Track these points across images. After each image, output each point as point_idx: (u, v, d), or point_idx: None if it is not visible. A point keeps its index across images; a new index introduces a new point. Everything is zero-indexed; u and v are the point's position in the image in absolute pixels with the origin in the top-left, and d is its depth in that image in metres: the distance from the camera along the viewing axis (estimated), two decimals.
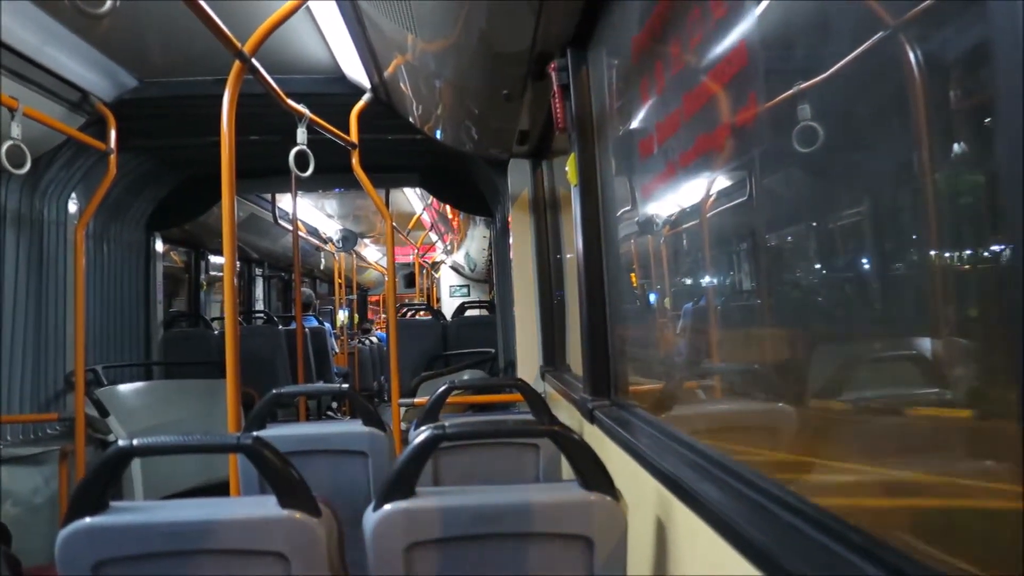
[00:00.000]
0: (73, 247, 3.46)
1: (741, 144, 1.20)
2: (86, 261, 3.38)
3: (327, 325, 8.05)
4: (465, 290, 12.71)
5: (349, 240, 8.01)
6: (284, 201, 7.23)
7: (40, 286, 3.56)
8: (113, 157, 3.25)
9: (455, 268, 12.48)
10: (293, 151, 2.55)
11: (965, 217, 0.73)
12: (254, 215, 6.70)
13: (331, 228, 8.65)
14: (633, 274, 2.07)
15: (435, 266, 13.52)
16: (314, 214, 8.23)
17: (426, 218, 9.13)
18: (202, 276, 6.58)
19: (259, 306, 8.72)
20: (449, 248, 11.36)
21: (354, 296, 11.91)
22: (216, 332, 5.57)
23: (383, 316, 15.76)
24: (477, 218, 6.80)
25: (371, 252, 12.82)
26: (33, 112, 2.72)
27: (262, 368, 5.08)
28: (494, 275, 5.48)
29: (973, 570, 0.69)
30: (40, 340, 3.56)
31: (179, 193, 4.79)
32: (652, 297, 1.95)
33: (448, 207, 6.97)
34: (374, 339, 10.31)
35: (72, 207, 3.74)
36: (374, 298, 16.73)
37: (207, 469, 3.97)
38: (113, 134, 3.24)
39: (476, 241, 8.38)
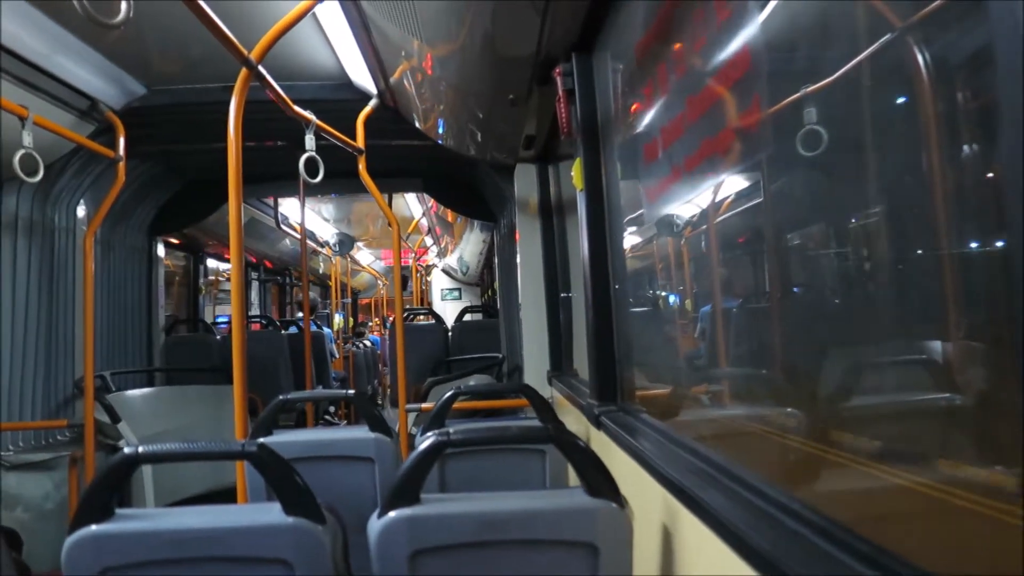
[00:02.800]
0: (82, 253, 3.49)
1: (747, 147, 1.19)
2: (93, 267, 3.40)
3: (326, 330, 8.06)
4: (457, 293, 12.69)
5: (345, 244, 8.04)
6: (284, 205, 7.28)
7: (50, 293, 3.58)
8: (122, 164, 3.27)
9: (447, 271, 12.49)
10: (303, 157, 2.55)
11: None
12: (254, 219, 6.74)
13: (327, 232, 8.70)
14: (640, 276, 2.06)
15: (428, 270, 13.57)
16: (311, 217, 8.28)
17: (424, 222, 9.16)
18: (201, 280, 6.61)
19: (254, 311, 8.75)
20: (442, 252, 11.38)
21: (349, 300, 11.93)
22: (218, 337, 5.59)
23: (376, 320, 15.83)
24: (474, 222, 6.79)
25: (364, 256, 12.86)
26: (43, 120, 2.74)
27: (265, 373, 5.08)
28: (497, 279, 5.46)
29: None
30: (50, 346, 3.58)
31: (181, 197, 4.81)
32: (661, 301, 1.94)
33: (448, 211, 6.98)
34: (367, 343, 10.33)
35: (80, 213, 3.76)
36: (364, 301, 16.82)
37: (217, 474, 3.98)
38: (122, 141, 3.26)
39: (471, 245, 8.37)
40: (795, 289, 1.20)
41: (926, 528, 0.82)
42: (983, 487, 0.70)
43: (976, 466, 0.73)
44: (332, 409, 7.36)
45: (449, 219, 7.77)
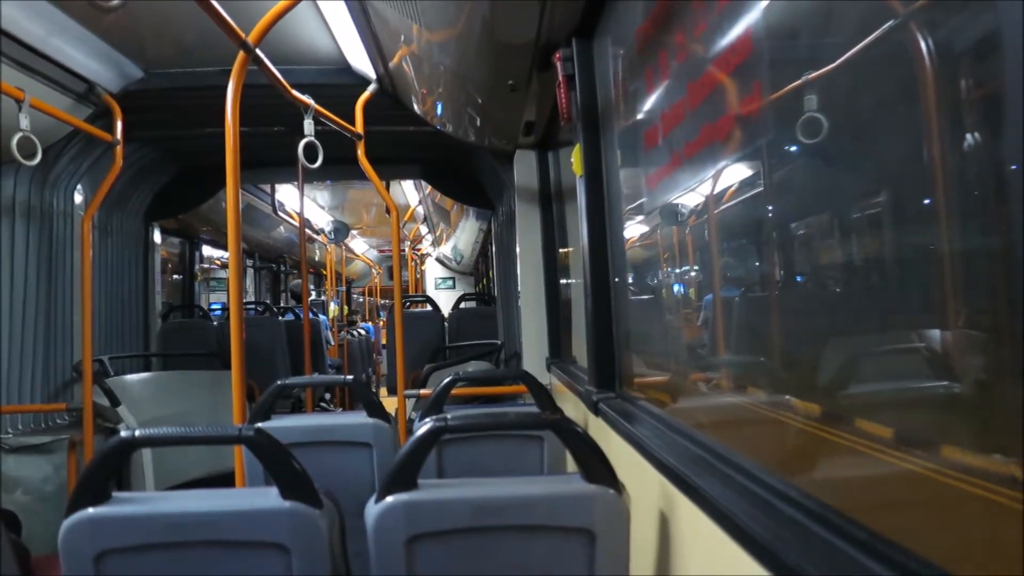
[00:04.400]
0: (79, 238, 3.48)
1: (747, 134, 1.18)
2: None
3: (322, 317, 8.06)
4: (451, 282, 12.69)
5: (341, 231, 8.02)
6: (280, 192, 7.27)
7: (48, 277, 3.57)
8: (119, 148, 3.25)
9: (441, 261, 12.48)
10: (302, 143, 2.53)
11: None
12: (250, 205, 6.72)
13: (323, 219, 8.68)
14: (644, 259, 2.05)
15: (422, 259, 13.57)
16: (306, 204, 8.27)
17: (419, 210, 9.14)
18: (196, 266, 6.60)
19: (248, 297, 8.75)
20: (437, 240, 11.36)
21: (344, 288, 11.92)
22: (215, 324, 5.59)
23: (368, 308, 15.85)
24: (469, 211, 6.76)
25: (358, 244, 12.85)
26: (40, 103, 2.72)
27: (262, 359, 5.09)
28: (496, 267, 5.46)
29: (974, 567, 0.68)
30: (48, 330, 3.58)
31: (178, 182, 4.79)
32: (662, 288, 1.94)
33: (446, 199, 6.95)
34: (361, 331, 10.37)
35: (77, 198, 3.75)
36: (357, 290, 16.85)
37: (216, 459, 3.99)
38: (120, 125, 3.24)
39: (467, 233, 8.34)
40: (797, 278, 1.20)
41: (922, 515, 0.82)
42: (981, 474, 0.70)
43: (974, 453, 0.73)
44: (328, 396, 7.39)
45: (447, 206, 7.74)
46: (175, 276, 7.03)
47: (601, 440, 1.38)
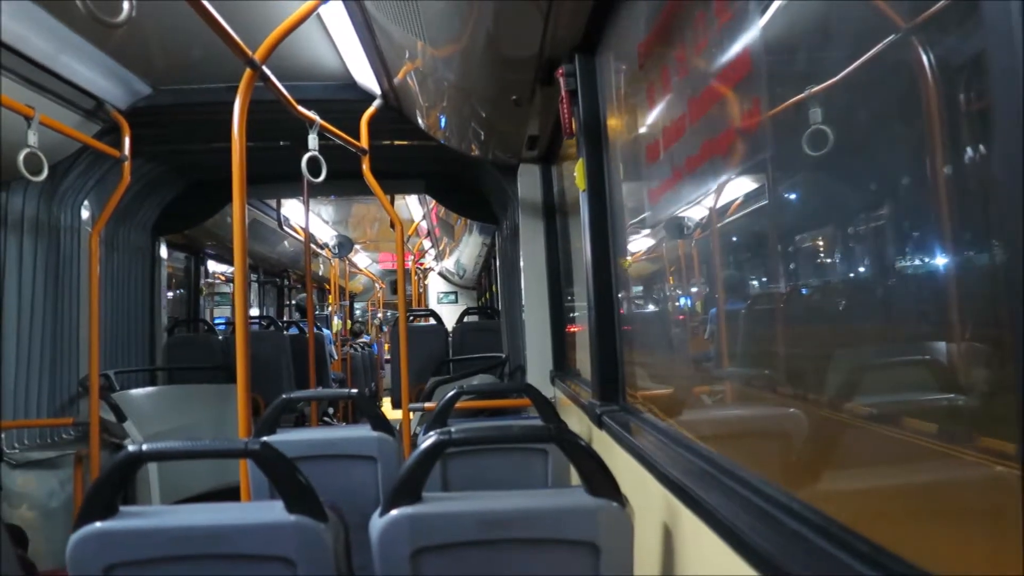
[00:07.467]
0: (87, 252, 3.50)
1: (748, 149, 1.19)
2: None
3: (326, 332, 8.08)
4: (453, 296, 12.70)
5: (345, 246, 8.05)
6: (286, 207, 7.32)
7: (55, 291, 3.60)
8: (127, 164, 3.29)
9: (443, 275, 12.50)
10: (305, 157, 2.55)
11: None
12: (256, 220, 6.76)
13: (327, 234, 8.71)
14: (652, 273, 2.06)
15: (425, 273, 13.60)
16: (311, 219, 8.32)
17: (423, 224, 9.16)
18: (202, 281, 6.63)
19: (252, 312, 8.78)
20: (440, 255, 11.39)
21: (347, 303, 11.97)
22: (220, 338, 5.61)
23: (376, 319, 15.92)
24: (473, 225, 6.79)
25: (361, 259, 12.89)
26: (49, 120, 2.76)
27: (267, 373, 5.10)
28: (500, 280, 5.47)
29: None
30: (55, 345, 3.60)
31: (185, 197, 4.83)
32: (666, 302, 1.94)
33: (451, 213, 6.98)
34: (364, 345, 10.38)
35: (85, 213, 3.78)
36: (359, 305, 16.87)
37: (222, 473, 3.99)
38: (128, 141, 3.28)
39: (470, 248, 8.37)
40: (803, 291, 1.20)
41: (920, 527, 0.82)
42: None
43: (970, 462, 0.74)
44: (331, 411, 7.39)
45: (452, 221, 7.78)
46: (179, 291, 7.05)
47: (605, 453, 1.39)
